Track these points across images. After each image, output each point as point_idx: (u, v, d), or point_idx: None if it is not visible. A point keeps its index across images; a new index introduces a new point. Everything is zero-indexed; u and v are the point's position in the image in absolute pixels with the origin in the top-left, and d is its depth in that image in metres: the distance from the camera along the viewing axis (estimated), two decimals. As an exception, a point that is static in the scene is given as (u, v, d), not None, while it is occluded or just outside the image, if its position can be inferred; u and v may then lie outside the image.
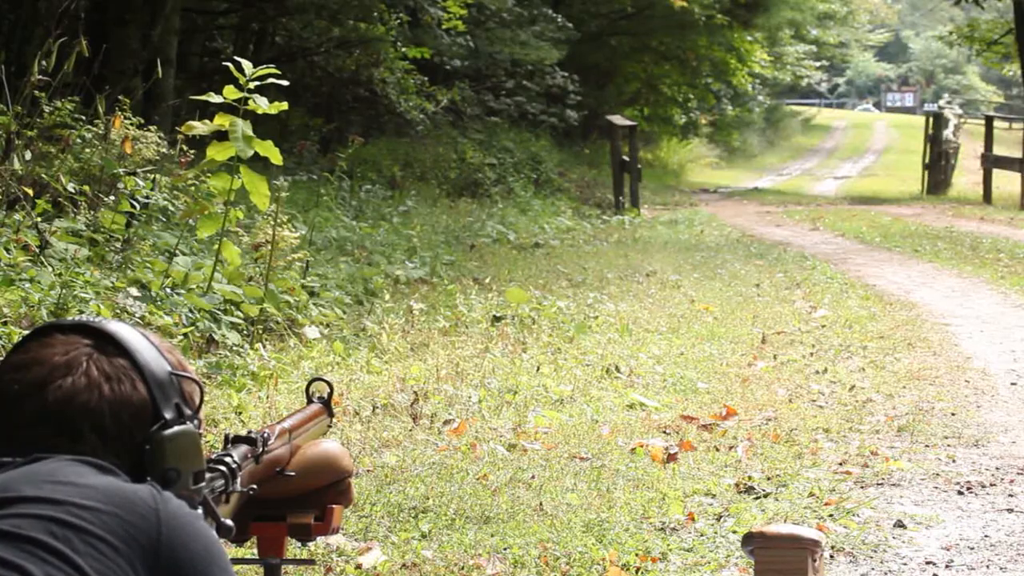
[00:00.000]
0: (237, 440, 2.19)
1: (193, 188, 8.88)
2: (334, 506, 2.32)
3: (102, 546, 1.79)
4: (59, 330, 1.97)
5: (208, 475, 2.03)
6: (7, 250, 7.39)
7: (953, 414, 7.08)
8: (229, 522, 2.03)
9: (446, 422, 6.55)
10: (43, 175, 8.41)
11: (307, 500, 2.30)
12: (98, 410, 1.90)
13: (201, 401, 2.00)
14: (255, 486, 2.17)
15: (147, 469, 1.92)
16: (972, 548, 4.93)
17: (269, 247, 8.73)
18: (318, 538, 2.35)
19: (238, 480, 2.12)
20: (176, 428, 1.94)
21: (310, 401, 2.45)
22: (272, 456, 2.24)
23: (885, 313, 10.55)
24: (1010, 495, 5.62)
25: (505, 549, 4.69)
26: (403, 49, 20.84)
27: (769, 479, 5.73)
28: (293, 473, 2.28)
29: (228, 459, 2.12)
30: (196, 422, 1.98)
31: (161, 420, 1.93)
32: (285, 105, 7.95)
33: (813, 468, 5.93)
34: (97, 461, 1.88)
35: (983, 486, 5.73)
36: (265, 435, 2.23)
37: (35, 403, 1.90)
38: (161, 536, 1.82)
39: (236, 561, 2.27)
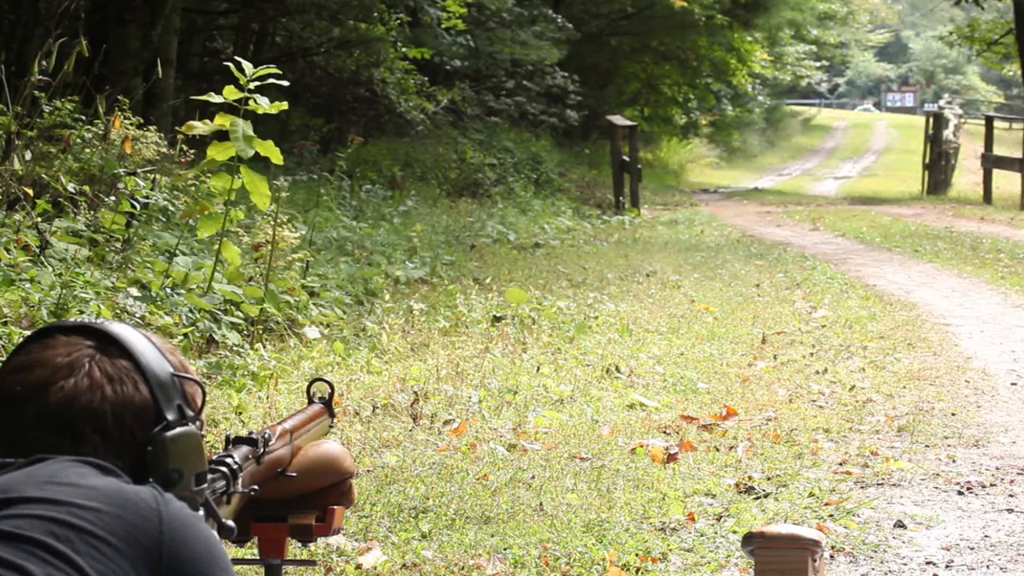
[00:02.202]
0: (238, 441, 2.19)
1: (193, 188, 8.88)
2: (335, 507, 2.32)
3: (104, 547, 1.79)
4: (61, 331, 1.97)
5: (210, 476, 2.03)
6: (7, 250, 7.39)
7: (953, 414, 7.08)
8: (230, 523, 2.03)
9: (446, 422, 6.55)
10: (43, 175, 8.41)
11: (308, 501, 2.31)
12: (100, 411, 1.91)
13: (203, 403, 2.01)
14: (256, 487, 2.17)
15: (149, 470, 1.92)
16: (972, 548, 4.93)
17: (269, 247, 8.74)
18: (318, 539, 2.35)
19: (239, 481, 2.12)
20: (178, 429, 1.94)
21: (311, 401, 2.45)
22: (273, 457, 2.24)
23: (885, 313, 10.55)
24: (1010, 495, 5.62)
25: (505, 549, 4.69)
26: (403, 49, 20.83)
27: (769, 479, 5.73)
28: (294, 474, 2.28)
29: (229, 460, 2.12)
30: (198, 423, 1.98)
31: (163, 421, 1.93)
32: (285, 105, 7.95)
33: (813, 468, 5.93)
34: (99, 462, 1.88)
35: (983, 486, 5.73)
36: (266, 436, 2.23)
37: (37, 404, 1.91)
38: (163, 537, 1.82)
39: (237, 561, 2.27)
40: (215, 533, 1.92)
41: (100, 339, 1.95)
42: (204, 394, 2.01)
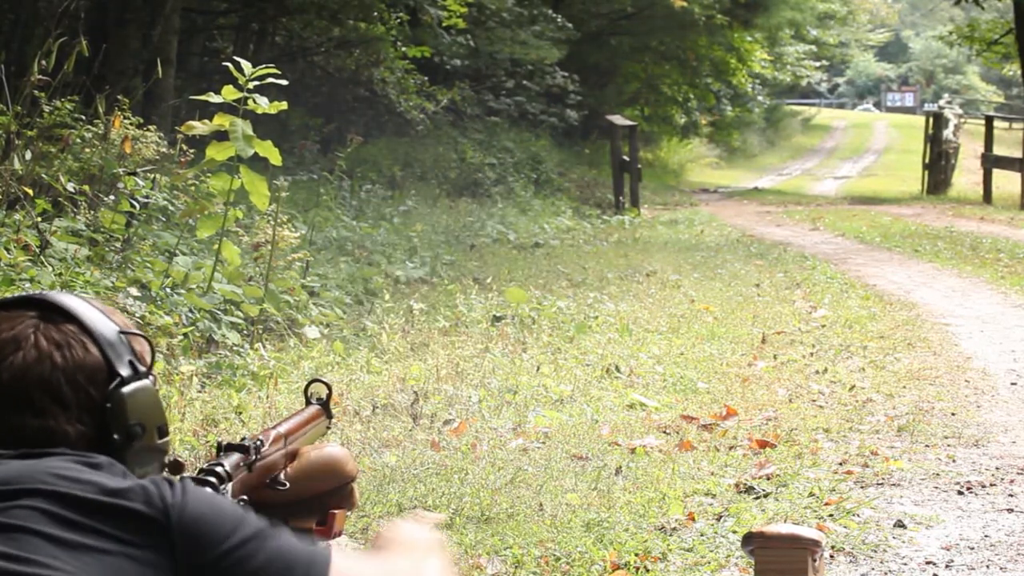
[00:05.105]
0: (230, 448, 2.17)
1: (193, 188, 8.88)
2: (336, 511, 2.31)
3: (112, 543, 1.79)
4: (1, 307, 1.97)
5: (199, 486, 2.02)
6: (7, 250, 7.38)
7: (953, 414, 7.08)
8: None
9: (446, 422, 6.55)
10: (43, 175, 8.41)
11: (310, 505, 2.29)
12: (53, 380, 1.91)
13: (152, 357, 2.01)
14: (245, 497, 2.15)
15: (111, 428, 1.92)
16: (972, 548, 4.93)
17: (269, 247, 8.74)
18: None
19: (228, 490, 2.10)
20: (134, 384, 1.95)
21: (309, 403, 2.43)
22: (266, 463, 2.23)
23: (885, 313, 10.55)
24: (1010, 495, 5.62)
25: (505, 549, 4.69)
26: (403, 49, 20.83)
27: (769, 479, 5.73)
28: (286, 485, 2.26)
29: (219, 469, 2.10)
30: (151, 378, 1.98)
31: (117, 378, 1.93)
32: (285, 105, 7.96)
33: (813, 468, 5.93)
34: (93, 459, 1.88)
35: (983, 486, 5.73)
36: (259, 443, 2.21)
37: None
38: (171, 523, 1.82)
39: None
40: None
41: (42, 308, 1.96)
42: (152, 348, 2.02)
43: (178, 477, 1.97)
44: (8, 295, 2.21)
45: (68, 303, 1.96)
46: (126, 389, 1.94)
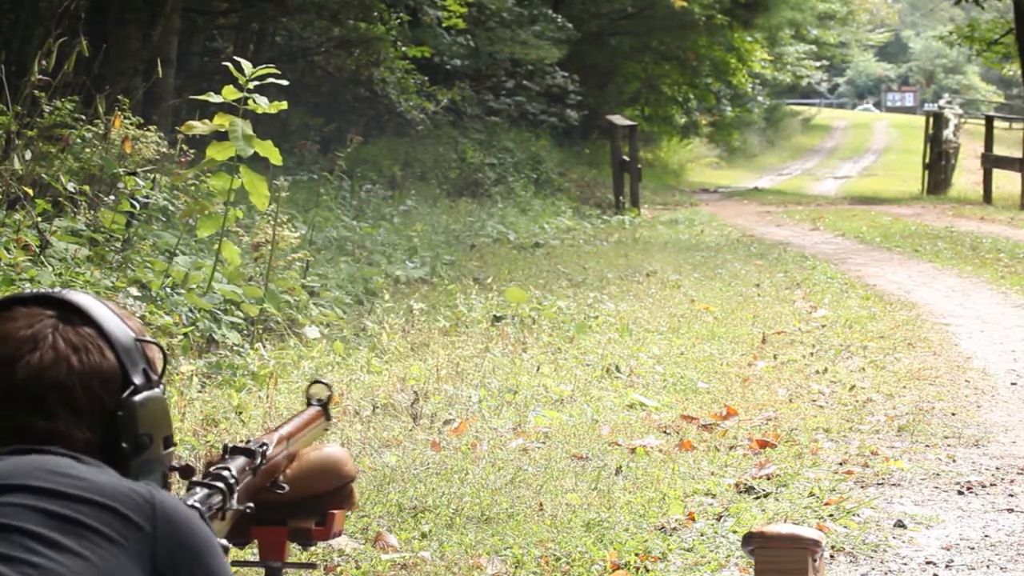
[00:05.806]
0: (235, 451, 2.14)
1: (193, 188, 8.89)
2: (336, 511, 2.30)
3: (98, 539, 1.78)
4: (20, 303, 1.94)
5: (206, 491, 2.01)
6: (7, 250, 7.38)
7: (953, 414, 7.08)
8: (224, 542, 1.99)
9: (446, 422, 6.55)
10: (43, 175, 8.41)
11: (309, 505, 2.28)
12: (68, 383, 1.89)
13: (164, 365, 1.99)
14: (252, 505, 2.13)
15: (120, 435, 1.90)
16: (972, 548, 4.93)
17: (269, 247, 8.74)
18: (319, 543, 2.33)
19: (235, 497, 2.08)
20: (146, 393, 1.93)
21: (309, 404, 2.42)
22: (269, 466, 2.21)
23: (885, 313, 10.55)
24: (1010, 495, 5.62)
25: (505, 549, 4.69)
26: (403, 49, 20.83)
27: (769, 479, 5.73)
28: (285, 489, 2.24)
29: (226, 474, 2.07)
30: (161, 387, 1.97)
31: (131, 386, 1.92)
32: (285, 105, 7.96)
33: (813, 468, 5.93)
34: (86, 457, 1.87)
35: (983, 486, 5.73)
36: (264, 446, 2.19)
37: (3, 382, 1.89)
38: (157, 531, 1.82)
39: (237, 563, 2.26)
40: (207, 527, 1.91)
41: (61, 308, 1.93)
42: (165, 356, 2.00)
43: (184, 484, 1.96)
44: (19, 292, 2.18)
45: (87, 304, 1.94)
46: (138, 398, 1.92)
